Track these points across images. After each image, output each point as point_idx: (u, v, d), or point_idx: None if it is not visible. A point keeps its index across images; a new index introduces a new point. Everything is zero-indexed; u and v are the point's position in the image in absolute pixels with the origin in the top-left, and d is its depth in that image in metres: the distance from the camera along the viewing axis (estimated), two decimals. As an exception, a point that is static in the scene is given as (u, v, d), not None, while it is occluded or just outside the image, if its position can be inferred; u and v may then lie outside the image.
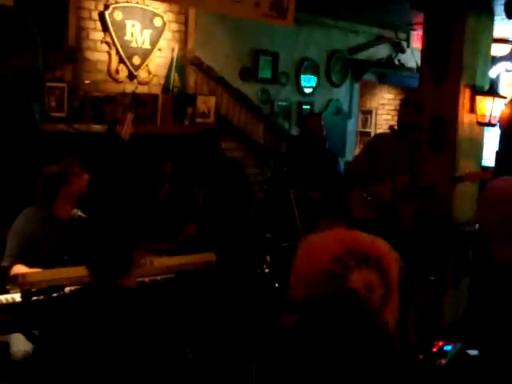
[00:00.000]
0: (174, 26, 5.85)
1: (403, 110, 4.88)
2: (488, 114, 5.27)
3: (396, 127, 4.88)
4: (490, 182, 3.23)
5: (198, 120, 5.94)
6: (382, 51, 8.12)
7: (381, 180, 4.67)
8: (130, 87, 5.55)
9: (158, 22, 5.65)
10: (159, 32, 5.67)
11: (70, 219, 3.64)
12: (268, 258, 3.79)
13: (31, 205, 3.65)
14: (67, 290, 3.18)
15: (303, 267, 2.43)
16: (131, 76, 5.58)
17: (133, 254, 2.33)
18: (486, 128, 5.62)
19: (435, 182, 4.69)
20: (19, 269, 3.41)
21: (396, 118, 5.06)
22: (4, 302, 3.10)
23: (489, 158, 6.87)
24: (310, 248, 2.53)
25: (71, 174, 3.65)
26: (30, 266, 3.45)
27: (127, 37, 5.47)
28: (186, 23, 5.92)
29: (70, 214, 3.65)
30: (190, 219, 4.60)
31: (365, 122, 9.59)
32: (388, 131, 4.99)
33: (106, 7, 5.34)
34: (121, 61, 5.49)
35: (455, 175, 4.93)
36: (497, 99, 5.31)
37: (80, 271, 3.32)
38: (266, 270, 3.75)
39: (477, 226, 5.59)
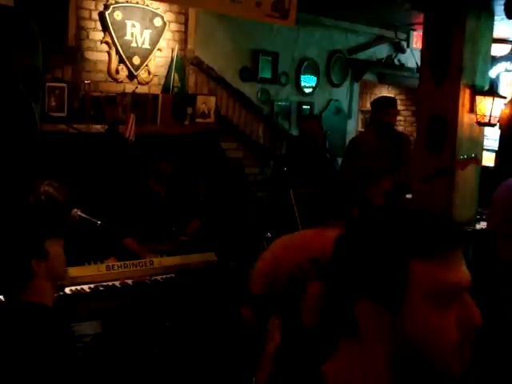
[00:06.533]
0: (174, 26, 5.85)
1: (384, 111, 4.73)
2: (488, 114, 5.27)
3: (374, 128, 4.80)
4: (504, 181, 3.23)
5: (198, 120, 5.94)
6: (381, 51, 8.13)
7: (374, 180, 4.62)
8: (130, 87, 5.55)
9: (157, 22, 5.65)
10: (159, 32, 5.67)
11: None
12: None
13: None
14: (67, 290, 3.19)
15: (266, 267, 2.44)
16: (131, 76, 5.58)
17: (30, 265, 1.88)
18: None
19: (449, 165, 4.64)
20: None
21: (376, 118, 4.88)
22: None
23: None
24: (277, 250, 2.52)
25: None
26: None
27: (127, 37, 5.47)
28: (186, 23, 5.92)
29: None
30: (191, 218, 4.60)
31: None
32: (364, 131, 4.94)
33: (106, 7, 5.34)
34: (121, 61, 5.49)
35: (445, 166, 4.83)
36: (497, 99, 5.30)
37: (80, 271, 3.33)
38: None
39: (478, 225, 5.60)
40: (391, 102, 4.93)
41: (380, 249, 0.99)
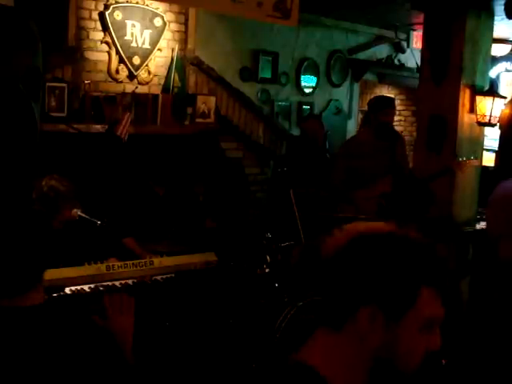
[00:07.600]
0: (174, 26, 5.85)
1: (383, 111, 4.66)
2: (488, 114, 5.27)
3: (371, 127, 4.78)
4: (501, 182, 3.23)
5: (198, 120, 5.94)
6: (382, 51, 8.13)
7: (367, 183, 4.59)
8: (130, 87, 5.55)
9: (157, 22, 5.65)
10: (159, 32, 5.67)
11: (66, 222, 3.59)
12: (268, 257, 3.79)
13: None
14: (67, 290, 3.19)
15: None
16: (131, 76, 5.58)
17: (43, 265, 1.79)
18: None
19: (450, 165, 4.70)
20: None
21: (374, 118, 4.86)
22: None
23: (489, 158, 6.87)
24: None
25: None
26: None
27: (127, 37, 5.47)
28: (186, 23, 5.93)
29: (64, 220, 3.57)
30: (191, 218, 4.60)
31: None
32: (359, 131, 4.88)
33: (106, 7, 5.34)
34: (121, 61, 5.49)
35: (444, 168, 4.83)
36: (497, 99, 5.31)
37: (80, 271, 3.33)
38: (266, 270, 3.76)
39: (479, 225, 5.60)
40: (390, 101, 4.91)
41: (399, 269, 1.17)
